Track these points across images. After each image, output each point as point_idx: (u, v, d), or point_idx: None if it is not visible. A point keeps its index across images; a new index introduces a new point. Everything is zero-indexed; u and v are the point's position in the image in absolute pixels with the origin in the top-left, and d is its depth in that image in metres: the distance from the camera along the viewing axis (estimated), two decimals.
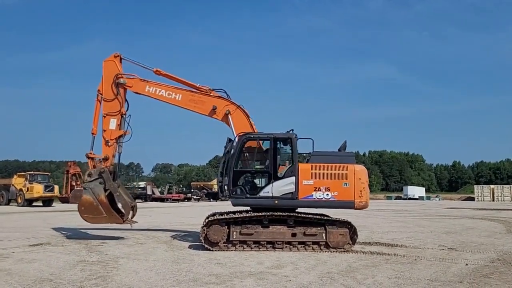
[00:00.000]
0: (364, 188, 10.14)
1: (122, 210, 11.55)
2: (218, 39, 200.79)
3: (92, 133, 11.80)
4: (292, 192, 10.07)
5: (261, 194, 10.16)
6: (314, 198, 10.07)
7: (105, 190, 11.18)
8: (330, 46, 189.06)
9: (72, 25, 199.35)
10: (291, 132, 10.56)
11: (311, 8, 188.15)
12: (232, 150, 10.46)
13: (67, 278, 6.92)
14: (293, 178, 10.09)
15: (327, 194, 10.07)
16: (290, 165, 10.30)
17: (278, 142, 10.54)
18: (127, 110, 11.94)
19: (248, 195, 10.24)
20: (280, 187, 10.11)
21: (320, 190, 10.07)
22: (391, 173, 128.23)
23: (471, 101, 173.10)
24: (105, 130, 11.64)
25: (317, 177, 10.08)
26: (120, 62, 12.02)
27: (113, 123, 11.63)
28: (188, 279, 6.90)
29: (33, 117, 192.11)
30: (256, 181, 10.52)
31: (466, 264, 8.50)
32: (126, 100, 11.91)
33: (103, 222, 11.48)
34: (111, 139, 11.54)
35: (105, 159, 11.51)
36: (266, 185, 10.21)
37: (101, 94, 11.70)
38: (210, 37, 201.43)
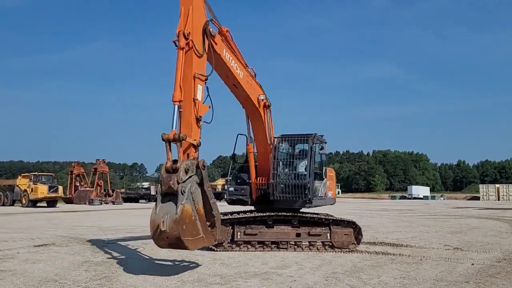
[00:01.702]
0: None
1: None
2: None
3: (177, 101, 7.14)
4: (325, 192, 10.96)
5: (319, 194, 10.68)
6: (328, 197, 11.26)
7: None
8: (331, 45, 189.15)
9: (76, 25, 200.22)
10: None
11: (311, 7, 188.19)
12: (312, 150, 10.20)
13: (71, 278, 6.93)
14: (325, 179, 10.97)
15: (331, 193, 11.43)
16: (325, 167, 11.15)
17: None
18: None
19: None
20: (324, 188, 10.86)
21: (330, 190, 11.31)
22: (395, 173, 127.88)
23: (475, 100, 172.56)
24: (195, 100, 7.42)
25: (329, 179, 11.28)
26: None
27: (200, 92, 7.59)
28: (193, 280, 6.88)
29: (37, 118, 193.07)
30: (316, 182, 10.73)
31: (472, 264, 8.43)
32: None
33: (199, 246, 7.14)
34: (200, 115, 7.54)
35: (198, 145, 7.35)
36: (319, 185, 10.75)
37: (192, 41, 7.42)
38: None
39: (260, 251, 9.81)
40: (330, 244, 10.03)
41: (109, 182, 45.80)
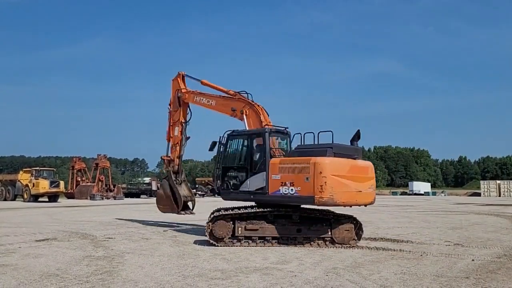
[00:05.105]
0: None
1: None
2: (221, 35, 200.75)
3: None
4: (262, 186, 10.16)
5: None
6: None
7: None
8: (332, 41, 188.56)
9: (75, 22, 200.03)
10: (286, 128, 11.34)
11: (314, 3, 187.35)
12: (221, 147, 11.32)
13: (73, 273, 6.96)
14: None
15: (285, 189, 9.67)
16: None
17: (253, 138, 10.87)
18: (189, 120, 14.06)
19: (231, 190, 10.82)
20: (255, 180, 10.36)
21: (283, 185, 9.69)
22: (396, 169, 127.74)
23: (477, 96, 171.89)
24: (171, 137, 14.11)
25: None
26: (183, 79, 14.09)
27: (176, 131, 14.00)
28: (194, 275, 6.91)
29: (38, 114, 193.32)
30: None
31: (473, 260, 8.45)
32: (190, 111, 14.00)
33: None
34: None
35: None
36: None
37: (169, 107, 14.16)
38: (213, 33, 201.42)
39: (260, 246, 9.84)
40: (331, 239, 10.05)
41: (110, 177, 45.83)
